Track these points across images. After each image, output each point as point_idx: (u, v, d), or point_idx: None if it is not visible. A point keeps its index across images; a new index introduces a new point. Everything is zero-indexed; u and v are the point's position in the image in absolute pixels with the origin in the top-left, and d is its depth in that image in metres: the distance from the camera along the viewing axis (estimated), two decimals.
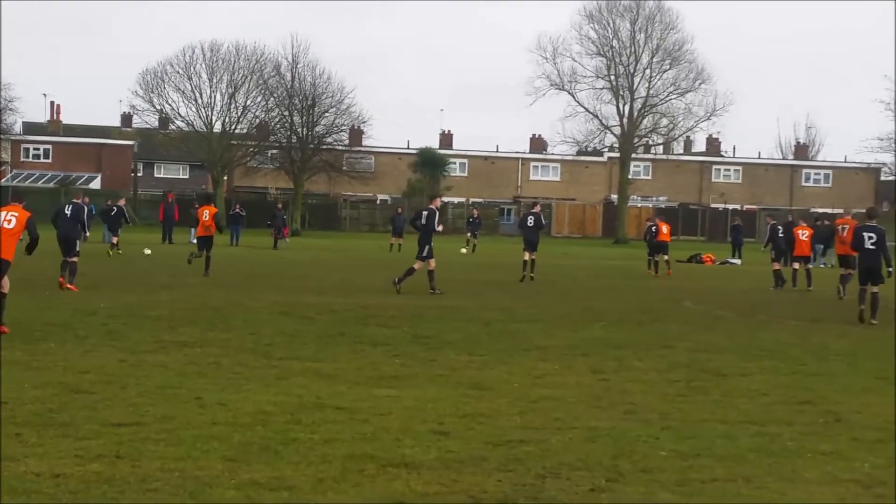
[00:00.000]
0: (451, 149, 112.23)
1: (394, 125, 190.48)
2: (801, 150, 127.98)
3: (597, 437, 10.70)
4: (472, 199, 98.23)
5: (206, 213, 33.66)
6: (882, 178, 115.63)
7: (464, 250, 57.89)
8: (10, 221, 18.32)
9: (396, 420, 11.31)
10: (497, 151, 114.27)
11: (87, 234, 36.02)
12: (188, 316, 21.08)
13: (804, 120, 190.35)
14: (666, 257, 41.59)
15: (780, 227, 38.92)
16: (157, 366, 14.62)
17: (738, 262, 55.47)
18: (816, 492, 8.93)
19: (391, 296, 27.06)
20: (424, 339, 18.33)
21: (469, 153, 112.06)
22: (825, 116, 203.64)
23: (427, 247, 28.68)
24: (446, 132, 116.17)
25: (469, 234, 61.90)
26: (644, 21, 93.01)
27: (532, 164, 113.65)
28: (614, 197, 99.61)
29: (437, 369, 15.02)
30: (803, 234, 36.36)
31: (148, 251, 45.31)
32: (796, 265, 36.56)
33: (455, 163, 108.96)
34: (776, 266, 36.63)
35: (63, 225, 28.37)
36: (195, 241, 37.70)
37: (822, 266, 52.48)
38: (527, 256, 35.74)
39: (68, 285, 26.31)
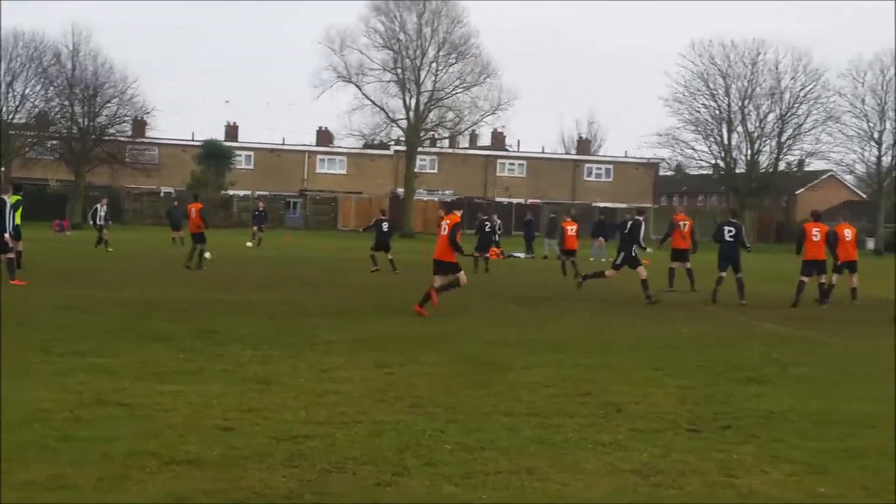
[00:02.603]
0: (237, 141, 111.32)
1: (178, 116, 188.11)
2: (584, 145, 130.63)
3: (382, 431, 10.71)
4: (258, 193, 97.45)
5: None
6: (661, 173, 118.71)
7: (249, 244, 57.49)
8: None
9: (180, 416, 11.14)
10: (283, 144, 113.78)
11: None
12: None
13: (586, 115, 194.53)
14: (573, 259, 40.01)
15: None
16: None
17: (522, 255, 56.19)
18: (597, 482, 9.08)
19: (175, 290, 26.70)
20: (209, 334, 18.10)
21: (255, 145, 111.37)
22: (606, 112, 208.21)
23: (622, 254, 28.84)
24: (232, 124, 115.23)
25: (255, 228, 61.43)
26: (431, 15, 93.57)
27: (318, 157, 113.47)
28: (400, 190, 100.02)
29: (222, 364, 14.85)
30: (571, 229, 38.72)
31: None
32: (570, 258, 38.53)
33: (241, 155, 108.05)
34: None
35: None
36: None
37: (602, 260, 53.60)
38: (377, 254, 38.67)
39: None
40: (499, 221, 44.33)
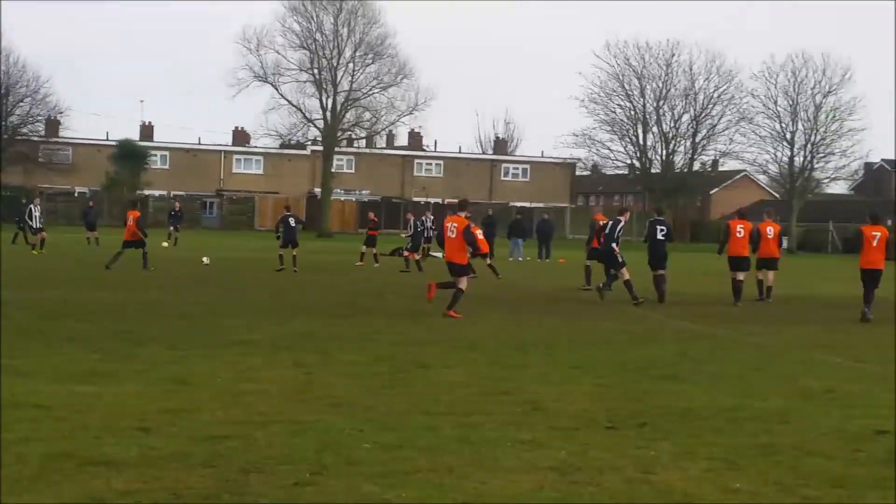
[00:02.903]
0: (153, 141, 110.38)
1: (93, 115, 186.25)
2: (501, 145, 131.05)
3: (301, 431, 10.69)
4: (173, 193, 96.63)
5: None
6: (577, 172, 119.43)
7: (165, 244, 57.02)
8: None
9: (96, 417, 11.04)
10: (199, 144, 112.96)
11: None
12: None
13: (503, 115, 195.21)
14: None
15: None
16: None
17: (439, 255, 56.18)
18: (516, 480, 9.12)
19: (90, 291, 26.46)
20: (125, 334, 17.96)
21: (171, 145, 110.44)
22: (522, 112, 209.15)
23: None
24: (147, 123, 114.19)
25: (171, 228, 60.96)
26: (347, 15, 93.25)
27: (235, 157, 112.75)
28: (318, 190, 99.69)
29: (138, 365, 14.74)
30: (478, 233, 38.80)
31: None
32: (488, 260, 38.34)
33: (156, 155, 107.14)
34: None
35: None
36: None
37: (519, 259, 53.86)
38: (283, 253, 38.47)
39: None
40: (429, 220, 44.10)
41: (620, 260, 28.35)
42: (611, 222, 29.21)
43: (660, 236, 29.78)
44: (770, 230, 30.27)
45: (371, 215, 46.95)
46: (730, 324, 23.45)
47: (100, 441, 9.98)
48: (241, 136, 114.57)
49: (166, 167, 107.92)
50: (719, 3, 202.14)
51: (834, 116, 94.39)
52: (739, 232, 29.16)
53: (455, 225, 23.90)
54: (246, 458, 9.51)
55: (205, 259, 40.52)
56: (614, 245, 28.39)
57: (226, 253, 50.50)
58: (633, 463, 9.82)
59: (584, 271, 33.52)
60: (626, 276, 28.15)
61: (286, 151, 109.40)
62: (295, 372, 14.59)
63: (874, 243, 25.33)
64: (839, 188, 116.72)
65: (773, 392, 14.02)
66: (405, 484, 8.87)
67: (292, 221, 39.12)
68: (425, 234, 43.62)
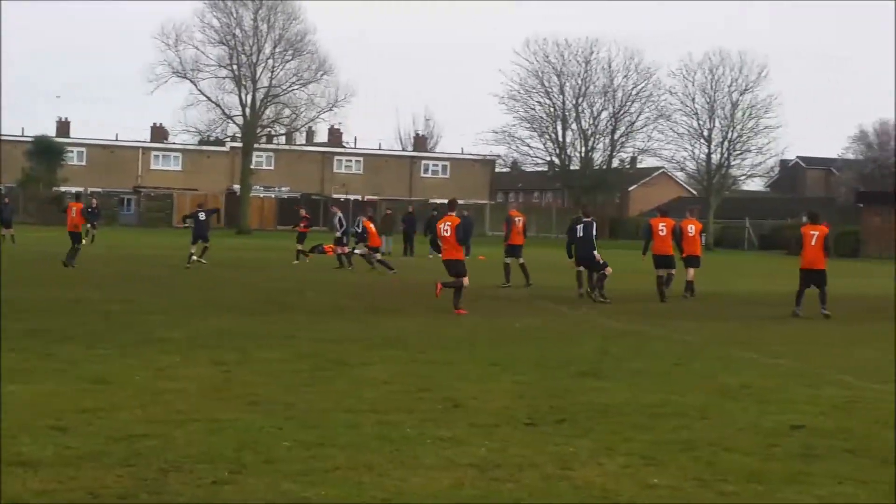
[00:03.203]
0: (69, 137, 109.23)
1: (7, 110, 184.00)
2: (420, 142, 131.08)
3: (220, 429, 10.63)
4: (90, 189, 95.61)
5: None
6: (497, 169, 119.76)
7: (84, 241, 56.43)
8: None
9: (12, 417, 10.90)
10: (117, 140, 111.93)
11: None
12: None
13: (423, 112, 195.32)
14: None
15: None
16: None
17: (358, 252, 56.03)
18: (436, 477, 9.13)
19: (5, 289, 26.08)
20: (42, 333, 17.75)
21: (88, 141, 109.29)
22: (442, 109, 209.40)
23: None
24: (63, 119, 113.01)
25: (88, 225, 60.30)
26: (267, 11, 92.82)
27: (153, 153, 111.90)
28: (237, 187, 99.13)
29: (55, 363, 14.59)
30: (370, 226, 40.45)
31: None
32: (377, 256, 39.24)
33: (73, 151, 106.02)
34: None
35: None
36: None
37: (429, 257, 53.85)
38: (193, 249, 38.33)
39: None
40: (339, 216, 43.88)
41: (602, 262, 28.47)
42: (582, 226, 28.71)
43: (579, 234, 29.61)
44: (691, 228, 30.54)
45: (303, 212, 46.82)
46: (650, 320, 23.61)
47: (16, 441, 9.86)
48: (159, 133, 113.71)
49: (83, 163, 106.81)
50: (640, 2, 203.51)
51: (750, 114, 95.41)
52: (662, 230, 29.35)
53: (448, 224, 24.73)
54: (164, 457, 9.44)
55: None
56: (595, 253, 28.26)
57: (145, 250, 50.08)
58: (553, 459, 9.86)
59: (503, 269, 33.59)
60: (608, 273, 28.28)
61: (205, 148, 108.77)
62: (214, 370, 14.51)
63: (812, 242, 25.69)
64: (755, 185, 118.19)
65: (693, 388, 14.15)
66: (325, 482, 8.85)
67: (202, 215, 38.86)
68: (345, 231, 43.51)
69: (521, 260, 33.53)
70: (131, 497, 8.29)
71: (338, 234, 42.89)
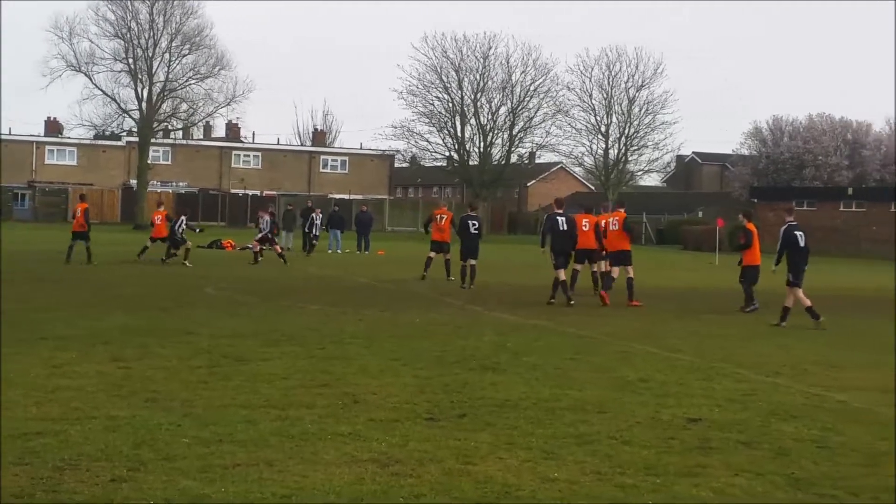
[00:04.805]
0: None
1: None
2: (319, 137, 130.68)
3: (117, 427, 10.53)
4: None
5: None
6: (396, 164, 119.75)
7: None
8: None
9: None
10: (10, 134, 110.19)
11: None
12: None
13: (322, 107, 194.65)
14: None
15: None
16: None
17: (250, 247, 55.82)
18: (336, 473, 9.12)
19: None
20: None
21: None
22: (342, 104, 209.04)
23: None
24: None
25: None
26: (163, 5, 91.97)
27: (48, 147, 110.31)
28: (133, 182, 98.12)
29: None
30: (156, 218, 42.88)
31: None
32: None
33: None
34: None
35: None
36: None
37: (338, 252, 53.81)
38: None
39: None
40: (267, 219, 43.81)
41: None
42: (565, 219, 28.18)
43: (472, 230, 31.75)
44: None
45: (270, 209, 46.87)
46: (549, 315, 23.76)
47: None
48: (53, 127, 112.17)
49: None
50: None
51: (647, 110, 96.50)
52: (585, 226, 29.16)
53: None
54: (60, 455, 9.34)
55: None
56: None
57: (40, 246, 49.41)
58: (453, 454, 9.89)
59: (424, 262, 34.08)
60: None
61: (101, 142, 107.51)
62: (112, 367, 14.36)
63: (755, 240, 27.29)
64: (652, 180, 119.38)
65: (591, 382, 14.26)
66: (224, 478, 8.81)
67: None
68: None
69: (448, 256, 33.81)
70: (27, 496, 8.19)
71: (265, 233, 42.71)
